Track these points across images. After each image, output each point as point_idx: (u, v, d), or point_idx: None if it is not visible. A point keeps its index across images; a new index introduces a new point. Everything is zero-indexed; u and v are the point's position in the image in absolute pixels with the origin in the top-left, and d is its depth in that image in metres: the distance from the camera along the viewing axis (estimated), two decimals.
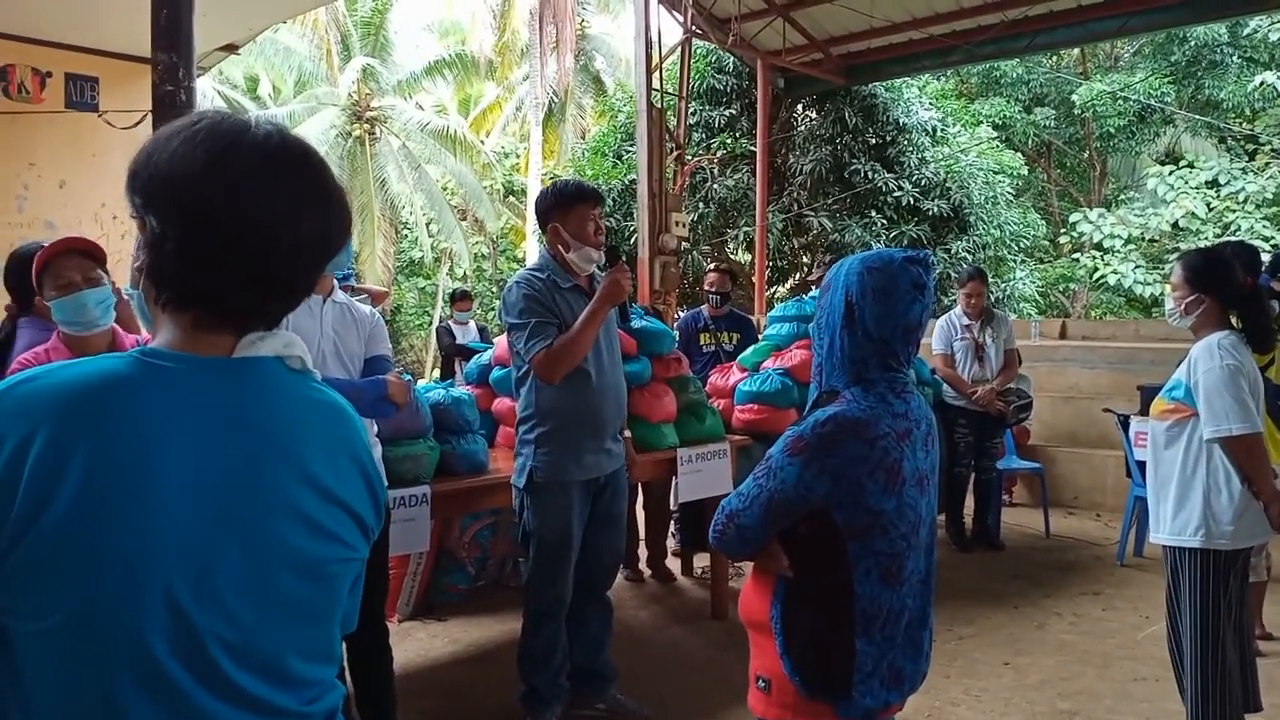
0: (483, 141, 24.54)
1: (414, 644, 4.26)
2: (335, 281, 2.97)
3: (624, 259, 3.20)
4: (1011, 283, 13.20)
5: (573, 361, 3.12)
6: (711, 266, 6.31)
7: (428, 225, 22.69)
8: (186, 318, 1.01)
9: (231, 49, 9.52)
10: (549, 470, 3.19)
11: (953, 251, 12.10)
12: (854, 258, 1.98)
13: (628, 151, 12.97)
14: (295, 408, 1.06)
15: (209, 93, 21.58)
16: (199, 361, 1.00)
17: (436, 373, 15.93)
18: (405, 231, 23.75)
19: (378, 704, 3.02)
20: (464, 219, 23.26)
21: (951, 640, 4.27)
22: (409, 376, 3.17)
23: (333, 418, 1.10)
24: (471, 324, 9.62)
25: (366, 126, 22.08)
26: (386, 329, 3.10)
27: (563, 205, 3.25)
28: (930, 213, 12.26)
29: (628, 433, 3.58)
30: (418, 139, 21.91)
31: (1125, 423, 5.53)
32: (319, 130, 20.83)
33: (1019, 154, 16.55)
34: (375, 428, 3.01)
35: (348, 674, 3.00)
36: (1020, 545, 6.04)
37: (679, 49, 10.48)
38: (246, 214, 1.00)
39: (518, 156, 25.67)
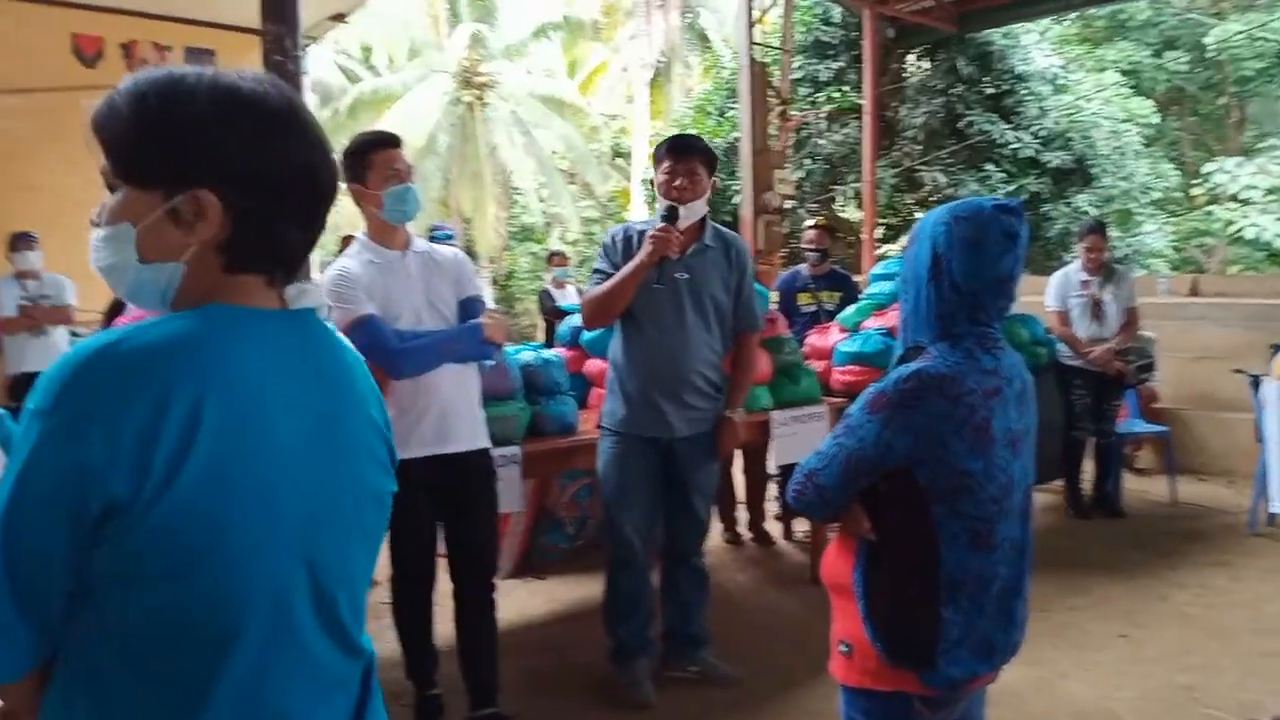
0: (590, 104, 24.55)
1: (513, 602, 4.32)
2: (411, 233, 2.99)
3: (676, 217, 3.10)
4: (1140, 237, 12.53)
5: (606, 311, 3.19)
6: (810, 223, 6.15)
7: (538, 190, 22.87)
8: (261, 278, 1.03)
9: (340, 18, 9.73)
10: (610, 418, 3.29)
11: (1075, 205, 11.54)
12: (941, 208, 1.88)
13: (731, 108, 12.76)
14: (344, 354, 1.11)
15: (326, 62, 22.19)
16: (267, 314, 1.02)
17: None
18: (517, 197, 24.01)
19: (480, 658, 3.08)
20: (572, 183, 23.37)
21: (1063, 610, 4.10)
22: None
23: (359, 362, 1.15)
24: (570, 287, 9.65)
25: (476, 93, 22.31)
26: (472, 265, 3.12)
27: (656, 159, 3.26)
28: (1051, 165, 11.72)
29: (735, 416, 3.37)
30: (526, 104, 22.03)
31: (1256, 383, 5.18)
32: (430, 98, 21.18)
33: (1148, 101, 15.63)
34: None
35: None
36: (1143, 512, 5.75)
37: (783, 1, 10.21)
38: (323, 168, 1.05)
39: (625, 118, 25.60)
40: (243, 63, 8.10)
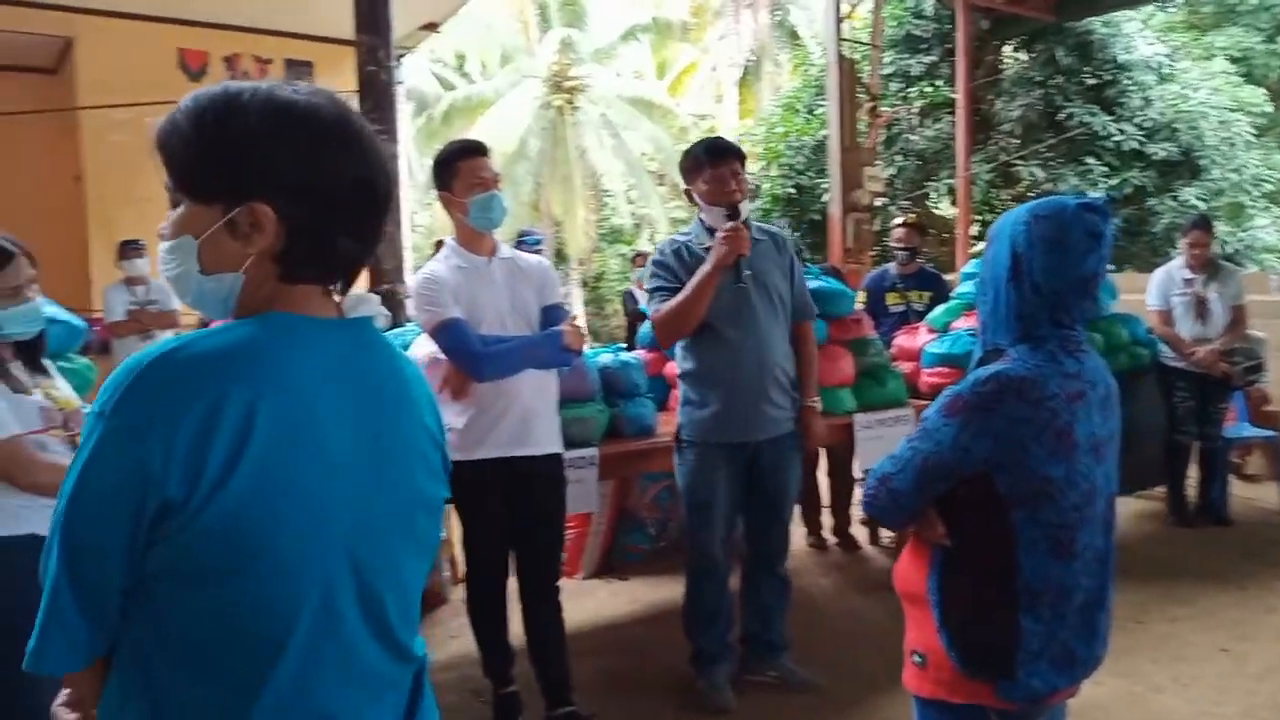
0: (679, 105, 24.55)
1: (594, 602, 4.36)
2: (498, 240, 3.04)
3: (742, 217, 3.07)
4: (1251, 232, 11.94)
5: (682, 326, 3.10)
6: (898, 221, 6.03)
7: (627, 193, 22.98)
8: (317, 288, 1.06)
9: (433, 27, 9.95)
10: (692, 430, 3.22)
11: (1181, 199, 11.09)
12: (1022, 206, 1.82)
13: (820, 106, 12.61)
14: (399, 362, 1.14)
15: (421, 71, 22.68)
16: (324, 323, 1.05)
17: None
18: (607, 199, 24.16)
19: (549, 661, 3.11)
20: (661, 184, 23.40)
21: (1163, 622, 3.93)
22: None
23: (414, 370, 1.18)
24: None
25: (566, 96, 22.53)
26: (556, 273, 3.17)
27: (693, 167, 3.22)
28: (1156, 157, 11.27)
29: (813, 403, 3.40)
30: (615, 106, 22.16)
31: None
32: (521, 103, 21.48)
33: (1260, 89, 14.88)
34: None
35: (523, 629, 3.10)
36: (1252, 521, 5.47)
37: None
38: (377, 182, 1.06)
39: (714, 118, 25.52)
40: (339, 73, 8.38)
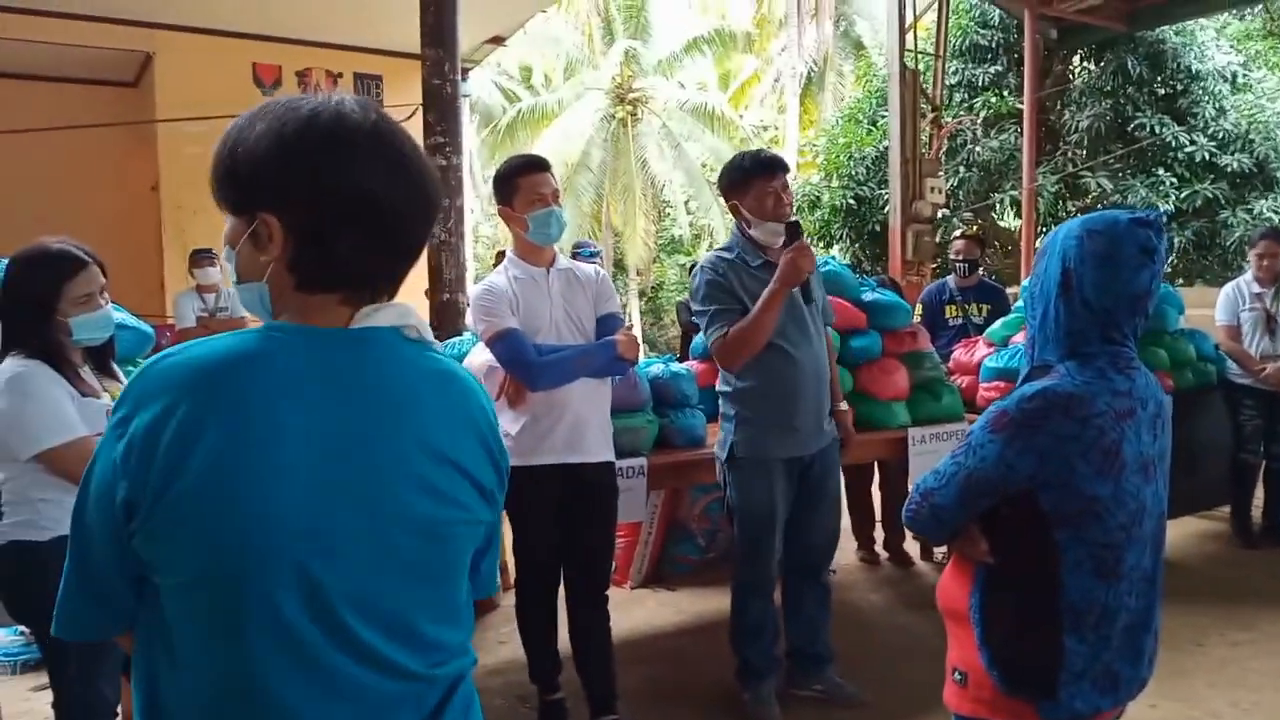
0: (741, 115, 24.54)
1: (643, 611, 4.38)
2: (557, 251, 3.08)
3: (805, 235, 3.06)
4: None
5: (752, 348, 3.06)
6: (958, 233, 5.95)
7: (686, 203, 23.02)
8: (334, 297, 1.07)
9: (498, 41, 10.09)
10: (749, 447, 3.17)
11: (1255, 212, 10.74)
12: (1073, 221, 1.80)
13: (883, 117, 12.49)
14: (411, 376, 1.10)
15: (486, 84, 23.00)
16: (321, 333, 1.05)
17: None
18: (667, 210, 24.23)
19: (595, 669, 3.13)
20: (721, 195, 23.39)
21: (1222, 645, 3.82)
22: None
23: (449, 384, 1.14)
24: None
25: (629, 108, 22.68)
26: (612, 283, 3.19)
27: (739, 181, 3.18)
28: (1229, 169, 10.94)
29: (844, 406, 3.47)
30: (677, 118, 22.25)
31: None
32: (584, 115, 21.67)
33: None
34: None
35: (569, 639, 3.13)
36: None
37: (937, 6, 9.94)
38: (393, 191, 1.05)
39: (776, 129, 25.45)
40: (407, 86, 8.55)
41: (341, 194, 1.03)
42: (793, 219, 3.10)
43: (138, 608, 1.05)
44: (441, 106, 4.57)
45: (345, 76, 9.32)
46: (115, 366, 2.61)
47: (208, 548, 0.97)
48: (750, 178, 3.16)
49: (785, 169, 3.22)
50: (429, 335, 1.15)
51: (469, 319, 3.17)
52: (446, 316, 4.48)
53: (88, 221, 6.65)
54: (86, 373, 2.47)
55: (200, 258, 6.34)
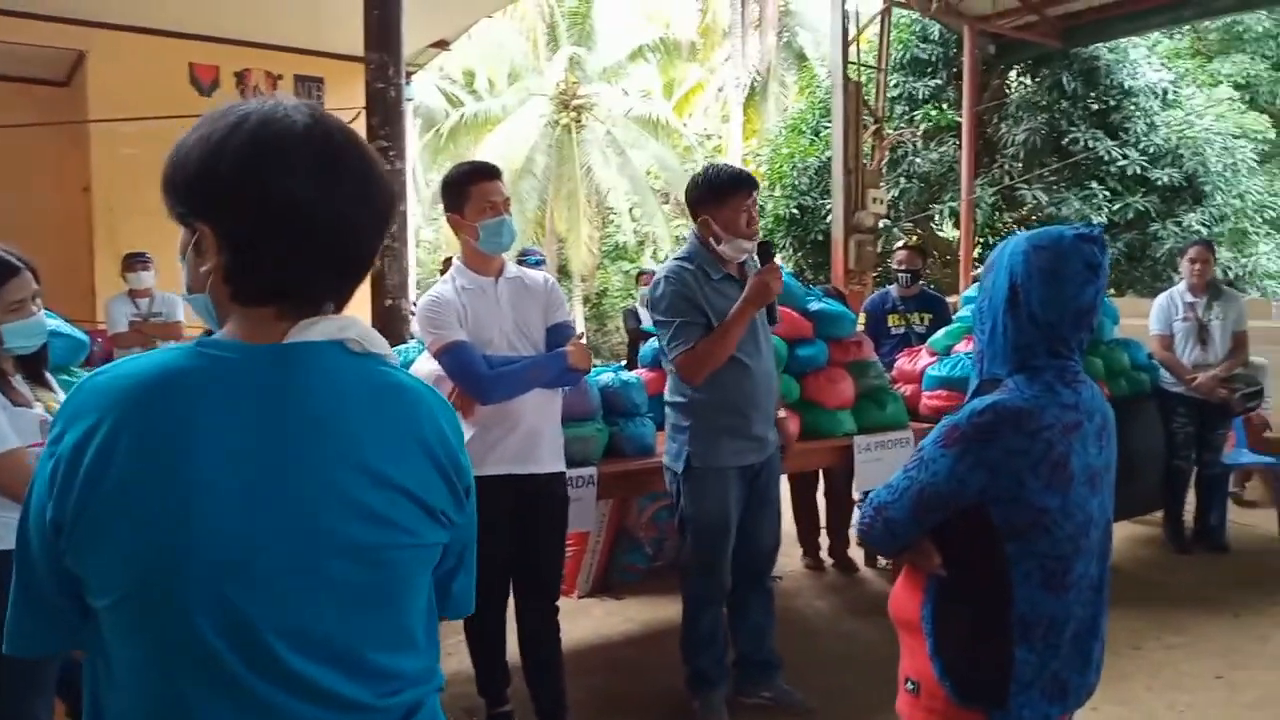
0: (685, 124, 24.66)
1: (590, 621, 4.36)
2: (505, 259, 3.05)
3: (775, 255, 3.09)
4: (1254, 258, 11.95)
5: (716, 363, 3.07)
6: (901, 244, 6.04)
7: (631, 210, 23.06)
8: (269, 310, 1.03)
9: (443, 45, 10.01)
10: (705, 457, 3.17)
11: (1185, 225, 11.11)
12: (1020, 236, 1.83)
13: (825, 128, 12.66)
14: (348, 391, 1.04)
15: (429, 88, 22.80)
16: (251, 349, 1.01)
17: None
18: (611, 217, 24.24)
19: (545, 681, 3.10)
20: (666, 203, 23.48)
21: (1158, 649, 3.92)
22: None
23: (393, 400, 1.08)
24: None
25: (573, 114, 22.66)
26: (561, 291, 3.16)
27: (715, 196, 3.16)
28: (1159, 183, 11.30)
29: (782, 413, 3.51)
30: (621, 125, 22.28)
31: None
32: (529, 120, 21.59)
33: (1265, 116, 14.92)
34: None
35: (518, 649, 3.10)
36: (1249, 548, 5.47)
37: (879, 19, 10.11)
38: (325, 202, 1.01)
39: (719, 138, 25.63)
40: (349, 89, 8.43)
41: (266, 203, 0.99)
42: (765, 239, 3.14)
43: (83, 624, 1.02)
44: (385, 110, 4.51)
45: (286, 78, 9.16)
46: (49, 375, 2.53)
47: (125, 569, 0.94)
48: (726, 194, 3.14)
49: (756, 187, 3.23)
50: (378, 347, 1.09)
51: (414, 326, 3.12)
52: (390, 323, 4.42)
53: (17, 224, 6.43)
54: (19, 382, 2.39)
55: (134, 262, 6.17)
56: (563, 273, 22.30)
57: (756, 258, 3.16)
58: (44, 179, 8.61)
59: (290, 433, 0.99)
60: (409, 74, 8.67)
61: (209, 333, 1.19)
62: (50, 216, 8.33)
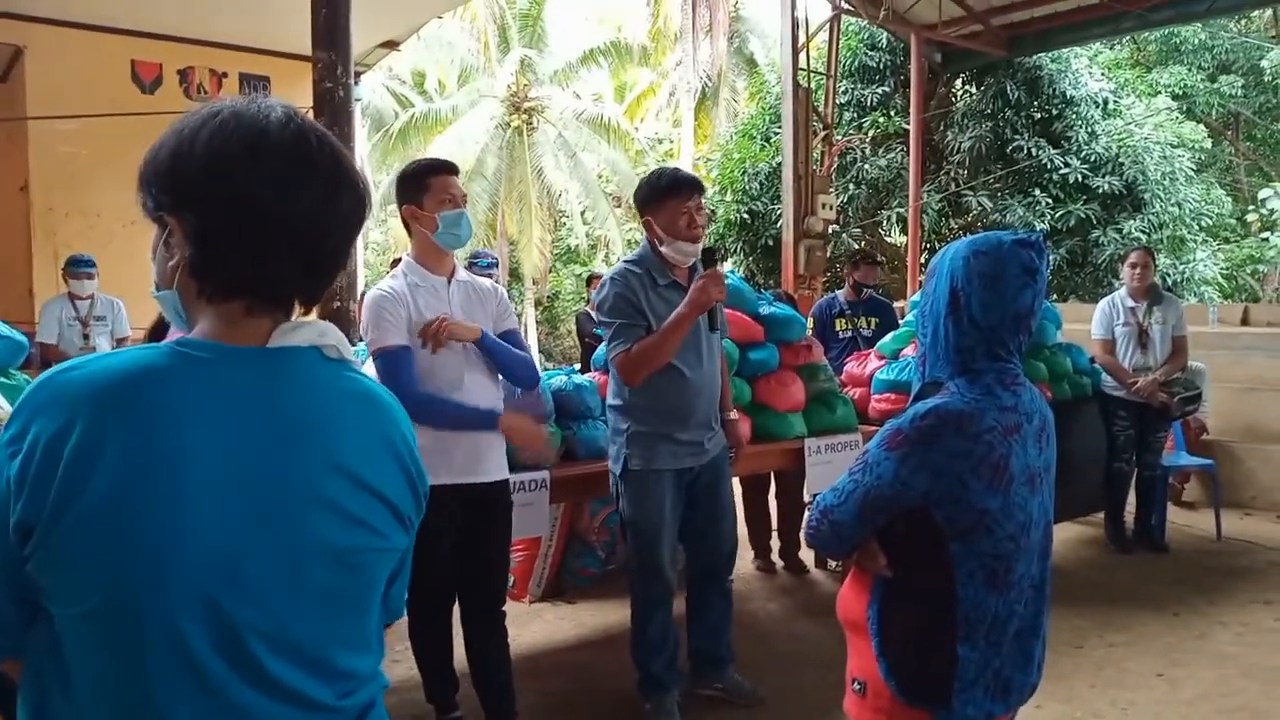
0: (637, 128, 24.72)
1: (541, 625, 4.34)
2: (456, 262, 3.03)
3: (720, 261, 3.10)
4: (1192, 264, 12.26)
5: (653, 366, 3.08)
6: (859, 254, 6.07)
7: (583, 213, 23.05)
8: (236, 306, 1.02)
9: (392, 45, 9.93)
10: (641, 460, 3.20)
11: (1125, 231, 11.39)
12: (960, 242, 1.86)
13: (775, 133, 12.77)
14: (327, 397, 1.06)
15: (378, 88, 22.58)
16: (232, 351, 1.01)
17: None
18: (563, 220, 24.21)
19: (493, 686, 3.08)
20: (618, 206, 23.51)
21: (1100, 647, 4.01)
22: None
23: (367, 407, 1.10)
24: None
25: (524, 117, 22.60)
26: (508, 299, 3.16)
27: (654, 198, 3.19)
28: (1100, 190, 11.57)
29: (734, 415, 3.54)
30: (573, 128, 22.27)
31: None
32: (479, 122, 21.48)
33: (1201, 125, 15.37)
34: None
35: (466, 654, 3.09)
36: (1187, 548, 5.61)
37: (828, 27, 10.22)
38: (293, 201, 1.01)
39: (671, 142, 25.73)
40: (295, 88, 8.33)
41: (226, 197, 0.99)
42: (710, 245, 3.13)
43: (26, 633, 0.99)
44: (333, 110, 4.45)
45: (231, 77, 9.03)
46: None
47: (108, 576, 0.91)
48: (664, 196, 3.17)
49: (700, 190, 3.24)
50: (349, 354, 1.10)
51: (361, 328, 3.08)
52: (337, 325, 4.36)
53: None
54: None
55: (78, 270, 6.05)
56: (514, 276, 22.22)
57: (702, 263, 3.17)
58: None
59: (275, 436, 1.00)
60: (357, 74, 8.60)
61: (155, 332, 1.15)
62: None
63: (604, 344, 3.28)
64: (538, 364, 3.26)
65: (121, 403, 0.94)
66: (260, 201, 1.00)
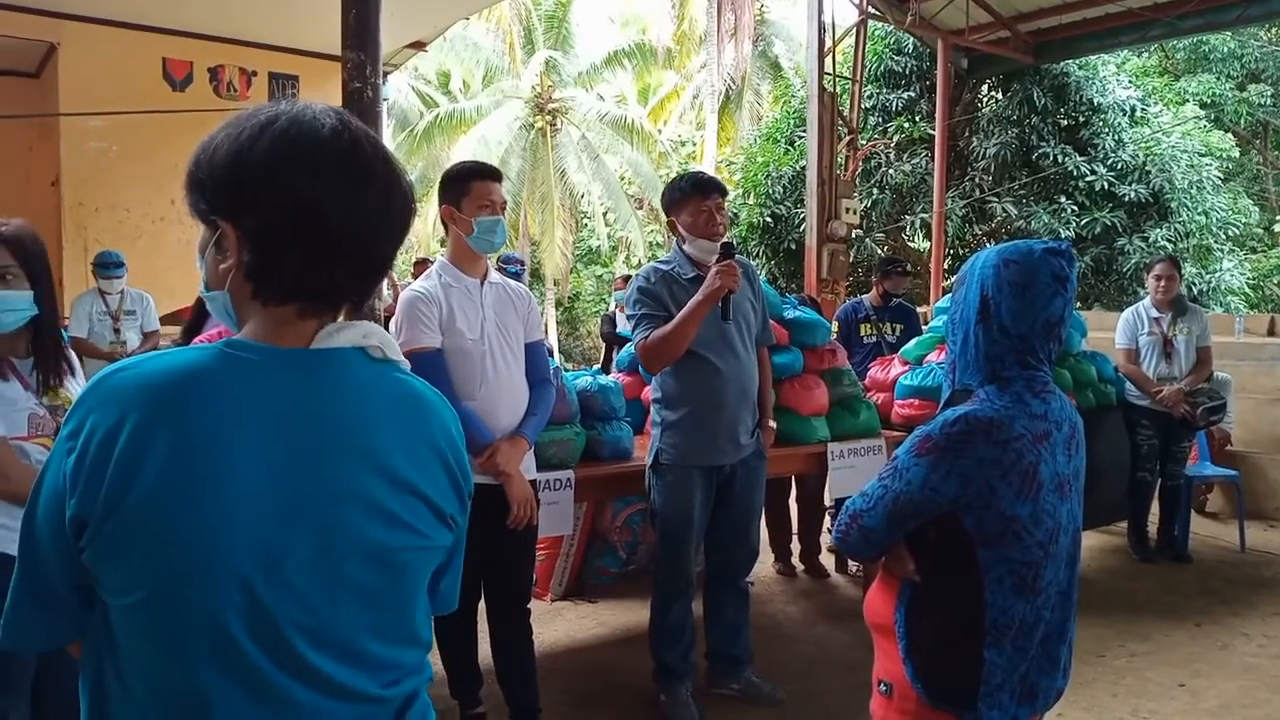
0: (660, 130, 24.75)
1: (563, 624, 4.37)
2: (490, 264, 3.07)
3: (735, 255, 3.18)
4: (1218, 274, 12.16)
5: (671, 353, 3.18)
6: (892, 264, 6.05)
7: (605, 214, 23.11)
8: (290, 310, 1.05)
9: (419, 46, 10.00)
10: (672, 453, 3.28)
11: (1151, 240, 11.31)
12: (990, 250, 1.87)
13: (800, 137, 12.77)
14: (371, 398, 1.07)
15: (404, 88, 22.72)
16: (278, 353, 1.03)
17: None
18: (585, 221, 24.27)
19: (518, 682, 3.11)
20: (640, 208, 23.55)
21: (1122, 656, 4.00)
22: (556, 364, 3.27)
23: (412, 408, 1.11)
24: None
25: (548, 118, 22.67)
26: (538, 308, 3.21)
27: (677, 199, 3.33)
28: (1126, 198, 11.49)
29: (773, 423, 3.59)
30: (596, 129, 22.33)
31: None
32: (503, 123, 21.58)
33: (1230, 134, 15.24)
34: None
35: (491, 651, 3.12)
36: (1210, 558, 5.58)
37: (855, 31, 10.22)
38: (352, 209, 1.03)
39: (694, 145, 25.74)
40: (324, 88, 8.40)
41: (289, 204, 1.01)
42: (727, 239, 3.24)
43: (88, 617, 1.03)
44: (361, 110, 4.46)
45: (260, 75, 9.10)
46: (73, 365, 2.45)
47: (154, 569, 0.95)
48: (687, 196, 3.30)
49: (721, 191, 3.36)
50: (395, 354, 1.12)
51: (394, 327, 3.11)
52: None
53: None
54: (25, 369, 2.31)
55: (108, 270, 6.12)
56: (536, 276, 22.29)
57: (719, 257, 3.24)
58: (12, 172, 8.51)
59: (319, 437, 1.02)
60: (385, 74, 8.65)
61: (190, 331, 1.17)
62: (18, 210, 8.09)
63: (632, 334, 3.36)
64: (558, 363, 3.29)
65: (169, 402, 0.97)
66: (322, 209, 1.02)
